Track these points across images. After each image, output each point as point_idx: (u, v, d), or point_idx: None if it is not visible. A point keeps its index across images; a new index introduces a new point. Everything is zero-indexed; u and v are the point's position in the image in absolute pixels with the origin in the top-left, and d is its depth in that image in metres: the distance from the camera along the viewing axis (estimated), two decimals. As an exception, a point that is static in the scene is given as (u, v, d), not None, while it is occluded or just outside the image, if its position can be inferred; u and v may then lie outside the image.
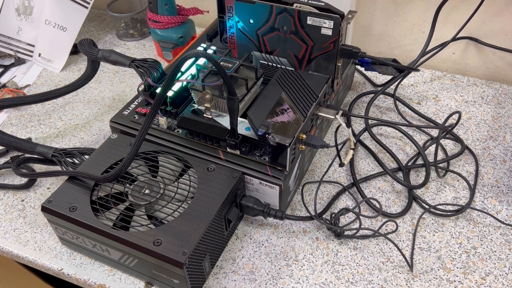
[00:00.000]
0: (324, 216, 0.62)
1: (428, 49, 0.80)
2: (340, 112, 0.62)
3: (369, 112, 0.77)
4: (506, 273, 0.56)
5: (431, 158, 0.69)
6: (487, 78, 0.85)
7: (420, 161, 0.69)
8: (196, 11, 0.89)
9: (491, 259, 0.57)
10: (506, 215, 0.62)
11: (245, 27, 0.69)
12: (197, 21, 0.95)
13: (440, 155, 0.70)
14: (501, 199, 0.64)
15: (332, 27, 0.62)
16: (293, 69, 0.67)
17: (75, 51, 0.95)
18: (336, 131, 0.62)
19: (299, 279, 0.56)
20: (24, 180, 0.69)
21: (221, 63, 0.62)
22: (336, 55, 0.65)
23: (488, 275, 0.56)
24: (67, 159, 0.64)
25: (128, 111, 0.67)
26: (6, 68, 0.93)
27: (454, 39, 0.80)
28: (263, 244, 0.60)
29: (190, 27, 0.90)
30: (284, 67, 0.68)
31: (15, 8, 0.93)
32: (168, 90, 0.52)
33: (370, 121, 0.74)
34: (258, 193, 0.60)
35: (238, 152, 0.59)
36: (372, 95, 0.79)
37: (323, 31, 0.63)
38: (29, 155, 0.67)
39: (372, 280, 0.56)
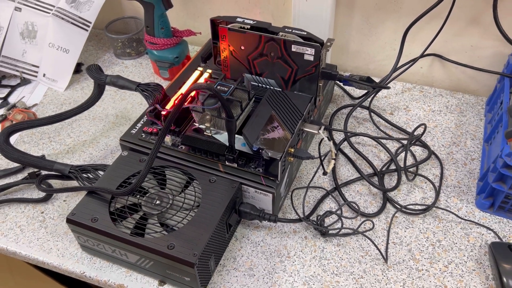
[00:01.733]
0: (311, 218, 0.71)
1: (399, 65, 0.90)
2: (323, 127, 0.71)
3: (348, 123, 0.87)
4: (465, 261, 0.66)
5: (402, 164, 0.79)
6: (451, 89, 0.95)
7: (392, 167, 0.79)
8: (190, 33, 0.97)
9: (452, 250, 0.68)
10: (466, 211, 0.73)
11: (237, 52, 0.78)
12: (190, 40, 1.03)
13: (410, 161, 0.81)
14: (462, 198, 0.74)
15: (313, 53, 0.72)
16: (280, 89, 0.76)
17: (77, 70, 1.03)
18: (319, 144, 0.72)
19: (292, 273, 0.66)
20: (42, 194, 0.77)
21: (217, 87, 0.71)
22: (317, 77, 0.75)
23: (450, 264, 0.66)
24: (83, 174, 0.72)
25: (136, 130, 0.75)
26: (13, 88, 1.00)
27: (422, 55, 0.90)
28: (259, 244, 0.69)
29: (184, 47, 0.99)
30: (272, 87, 0.77)
31: (19, 32, 1.00)
32: (176, 115, 0.61)
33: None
34: (254, 200, 0.69)
35: (235, 165, 0.68)
36: (350, 108, 0.89)
37: (306, 57, 0.73)
38: (47, 172, 0.75)
39: (353, 271, 0.65)
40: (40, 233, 0.72)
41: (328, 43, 0.73)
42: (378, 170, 0.78)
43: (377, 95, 0.93)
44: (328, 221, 0.71)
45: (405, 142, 0.82)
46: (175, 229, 0.62)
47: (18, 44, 1.01)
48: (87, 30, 1.00)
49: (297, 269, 0.66)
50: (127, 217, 0.64)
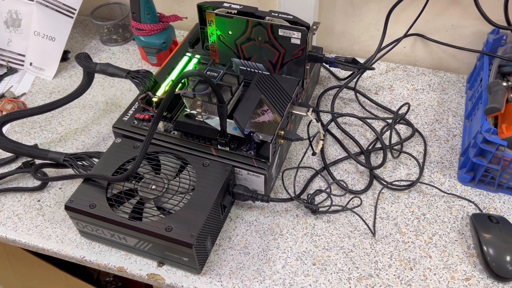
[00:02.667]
0: (302, 197, 0.74)
1: (383, 46, 0.93)
2: (311, 109, 0.74)
3: (335, 104, 0.90)
4: (448, 232, 0.70)
5: (387, 142, 0.82)
6: (433, 67, 0.98)
7: (378, 145, 0.82)
8: (176, 18, 0.98)
9: (436, 222, 0.71)
10: (448, 186, 0.76)
11: (225, 37, 0.79)
12: (176, 25, 1.03)
13: (395, 138, 0.84)
14: (445, 173, 0.78)
15: (300, 37, 0.73)
16: (268, 73, 0.78)
17: (64, 58, 1.03)
18: (308, 125, 0.74)
19: (285, 249, 0.69)
20: (37, 183, 0.78)
21: (207, 73, 0.73)
22: (304, 60, 0.76)
23: (434, 235, 0.70)
24: (78, 162, 0.73)
25: (128, 117, 0.76)
26: (0, 77, 1.00)
27: (406, 35, 0.93)
28: (253, 224, 0.72)
29: (170, 33, 0.99)
30: (261, 71, 0.79)
31: (3, 21, 0.99)
32: (168, 102, 0.62)
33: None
34: (246, 182, 0.72)
35: (227, 149, 0.70)
36: (337, 89, 0.92)
37: (293, 40, 0.74)
38: (42, 161, 0.76)
39: (343, 246, 0.69)
40: (38, 220, 0.73)
41: (314, 27, 0.74)
42: (365, 149, 0.81)
43: (362, 75, 0.96)
44: (318, 199, 0.74)
45: (390, 121, 0.85)
46: (171, 212, 0.64)
47: (3, 33, 1.00)
48: (72, 17, 1.00)
49: (289, 246, 0.69)
50: (124, 202, 0.66)
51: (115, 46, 1.08)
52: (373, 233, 0.70)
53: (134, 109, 0.78)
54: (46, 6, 0.98)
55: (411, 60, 0.99)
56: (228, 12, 0.77)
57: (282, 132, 0.70)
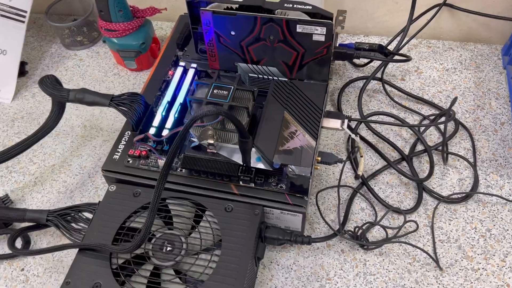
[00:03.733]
0: (346, 227, 0.62)
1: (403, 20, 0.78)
2: (346, 121, 0.60)
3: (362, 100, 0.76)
4: (521, 250, 0.59)
5: (428, 140, 0.69)
6: (461, 39, 0.85)
7: (419, 147, 0.70)
8: (154, 11, 0.80)
9: (505, 239, 0.60)
10: (509, 189, 0.65)
11: (226, 39, 0.63)
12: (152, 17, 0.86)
13: (436, 136, 0.71)
14: (501, 173, 0.67)
15: (324, 33, 0.58)
16: (286, 79, 0.63)
17: (21, 72, 0.84)
18: (347, 142, 0.61)
19: (336, 298, 0.57)
20: (19, 246, 0.63)
21: (214, 91, 0.57)
22: (329, 59, 0.62)
23: (506, 256, 0.59)
24: (65, 221, 0.58)
25: (118, 154, 0.61)
26: None
27: (435, 6, 0.79)
28: (291, 268, 0.60)
29: (149, 29, 0.82)
30: (276, 78, 0.64)
31: None
32: (177, 152, 0.47)
33: (365, 112, 0.73)
34: (278, 221, 0.58)
35: (253, 185, 0.57)
36: (359, 81, 0.78)
37: (315, 37, 0.59)
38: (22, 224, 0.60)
39: (404, 284, 0.57)
40: (26, 298, 0.59)
41: (340, 17, 0.60)
42: (406, 154, 0.68)
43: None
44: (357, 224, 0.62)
45: (425, 112, 0.72)
46: (200, 281, 0.50)
47: None
48: (23, 22, 0.81)
49: (342, 293, 0.57)
50: (134, 274, 0.52)
51: (81, 50, 0.89)
52: (437, 263, 0.58)
53: (124, 142, 0.62)
54: (-12, 12, 0.78)
55: (435, 33, 0.85)
56: (228, 8, 0.60)
57: (319, 158, 0.56)
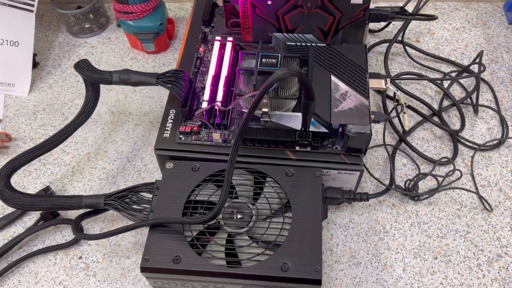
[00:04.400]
0: (397, 183, 0.64)
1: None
2: (388, 79, 0.62)
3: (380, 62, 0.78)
4: (555, 186, 0.64)
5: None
6: (464, 0, 0.88)
7: (445, 102, 0.73)
8: (168, -9, 0.79)
9: (540, 178, 0.65)
10: (534, 132, 0.70)
11: (262, 9, 0.63)
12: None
13: (459, 91, 0.75)
14: (524, 119, 0.71)
15: (363, -5, 0.60)
16: (324, 45, 0.65)
17: (33, 64, 0.81)
18: (384, 99, 0.63)
19: (397, 248, 0.60)
20: (68, 236, 0.62)
21: (261, 60, 0.58)
22: (365, 22, 0.63)
23: (543, 193, 0.64)
24: (124, 203, 0.58)
25: (168, 132, 0.61)
26: (-41, 106, 0.77)
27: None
28: (349, 227, 0.62)
29: (164, 9, 0.81)
30: (314, 44, 0.65)
31: None
32: (253, 113, 0.48)
33: (395, 72, 0.76)
34: (334, 182, 0.60)
35: (309, 149, 0.58)
36: (379, 47, 0.80)
37: (353, 0, 0.61)
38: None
39: (457, 229, 0.61)
40: (91, 284, 0.58)
41: (376, -21, 0.61)
42: (437, 109, 0.71)
43: (393, 23, 0.84)
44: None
45: (444, 69, 0.76)
46: (279, 244, 0.52)
47: None
48: (32, 11, 0.78)
49: (401, 243, 0.60)
50: (208, 243, 0.53)
51: (91, 37, 0.87)
52: (489, 205, 0.62)
53: (171, 121, 0.62)
54: (-4, 2, 0.75)
55: (439, -5, 0.88)
56: (265, -23, 0.61)
57: (373, 116, 0.58)
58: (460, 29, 0.84)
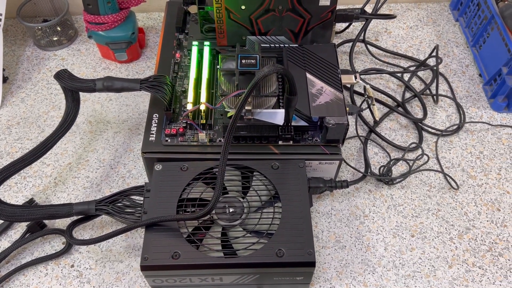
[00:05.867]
0: (372, 170, 0.69)
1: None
2: (358, 74, 0.67)
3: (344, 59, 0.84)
4: (510, 163, 0.71)
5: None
6: (414, 1, 0.96)
7: (407, 94, 0.79)
8: (138, 1, 0.81)
9: (496, 157, 0.72)
10: (487, 117, 0.77)
11: (236, 14, 0.67)
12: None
13: (418, 83, 0.81)
14: (478, 106, 0.78)
15: (330, -3, 0.65)
16: (296, 45, 0.69)
17: (3, 80, 0.81)
18: (352, 93, 0.68)
19: (377, 230, 0.64)
20: (58, 246, 0.62)
21: (242, 61, 0.61)
22: (332, 22, 0.68)
23: (500, 170, 0.70)
24: (116, 207, 0.59)
25: (153, 136, 0.62)
26: None
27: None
28: (331, 214, 0.66)
29: (134, 19, 0.82)
30: (286, 45, 0.69)
31: None
32: (242, 110, 0.51)
33: (358, 69, 0.81)
34: (316, 172, 0.64)
35: (291, 142, 0.62)
36: (342, 47, 0.85)
37: (321, 2, 0.65)
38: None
39: (429, 208, 0.66)
40: (86, 290, 0.59)
41: (341, -17, 0.66)
42: (401, 101, 0.77)
43: (353, 24, 0.90)
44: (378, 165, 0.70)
45: (403, 64, 0.82)
46: (272, 232, 0.55)
47: None
48: (-1, 25, 0.78)
49: (380, 225, 0.65)
50: (205, 238, 0.55)
51: (60, 49, 0.87)
52: (456, 184, 0.68)
53: (155, 124, 0.63)
54: (-39, 17, 0.74)
55: (392, -2, 0.95)
56: (238, -16, 0.64)
57: (348, 109, 0.62)
58: (414, 27, 0.91)
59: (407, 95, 0.79)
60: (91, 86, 0.61)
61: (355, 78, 0.67)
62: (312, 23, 0.68)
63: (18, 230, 0.64)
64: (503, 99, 0.76)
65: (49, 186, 0.68)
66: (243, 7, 0.66)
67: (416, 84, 0.81)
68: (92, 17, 0.77)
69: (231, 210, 0.56)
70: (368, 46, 0.85)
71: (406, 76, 0.81)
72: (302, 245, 0.53)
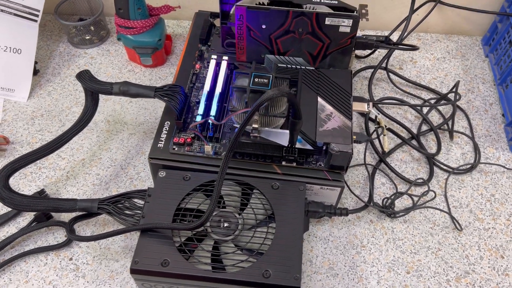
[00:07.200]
0: (375, 200, 0.68)
1: (398, 16, 0.86)
2: (371, 103, 0.67)
3: (364, 86, 0.83)
4: (521, 210, 0.69)
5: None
6: (445, 32, 0.94)
7: (424, 127, 0.78)
8: (168, 9, 0.83)
9: (508, 202, 0.70)
10: (504, 159, 0.75)
11: (257, 32, 0.68)
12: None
13: (437, 117, 0.80)
14: (496, 146, 0.76)
15: (350, 24, 0.65)
16: (313, 68, 0.69)
17: (33, 72, 0.85)
18: (367, 121, 0.67)
19: (373, 262, 0.63)
20: (60, 238, 0.65)
21: (254, 79, 0.62)
22: (352, 49, 0.68)
23: (510, 216, 0.68)
24: (117, 208, 0.61)
25: (162, 142, 0.64)
26: (-42, 108, 0.80)
27: (427, 2, 0.87)
28: (329, 240, 0.66)
29: (163, 26, 0.85)
30: (303, 67, 0.69)
31: None
32: (244, 128, 0.52)
33: (378, 96, 0.81)
34: (317, 196, 0.64)
35: (294, 164, 0.62)
36: (364, 72, 0.85)
37: (342, 29, 0.65)
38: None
39: (429, 246, 0.65)
40: (80, 284, 0.61)
41: (363, 10, 0.66)
42: (415, 133, 0.76)
43: (378, 50, 0.89)
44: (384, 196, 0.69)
45: (424, 96, 0.81)
46: (262, 252, 0.55)
47: (-50, 52, 0.80)
48: (36, 21, 0.82)
49: (376, 257, 0.64)
50: (195, 249, 0.56)
51: (91, 48, 0.90)
52: (459, 225, 0.66)
53: (165, 132, 0.65)
54: (2, 11, 0.79)
55: (422, 27, 0.94)
56: (260, 3, 0.66)
57: (355, 137, 0.62)
58: (441, 59, 0.89)
59: (424, 127, 0.78)
60: (108, 89, 0.63)
61: (368, 106, 0.66)
62: (331, 48, 0.68)
63: (27, 218, 0.67)
64: (523, 142, 0.74)
65: (61, 179, 0.71)
66: (263, 26, 0.67)
67: (435, 118, 0.80)
68: (122, 21, 0.80)
69: (225, 224, 0.57)
70: (390, 74, 0.84)
71: (425, 109, 0.80)
72: (289, 268, 0.53)
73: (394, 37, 0.92)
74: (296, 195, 0.60)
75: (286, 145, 0.61)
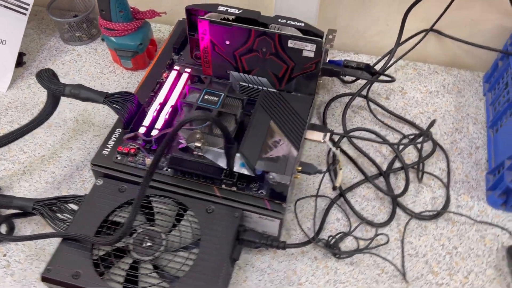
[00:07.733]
0: (321, 236, 0.64)
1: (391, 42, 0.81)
2: (328, 134, 0.63)
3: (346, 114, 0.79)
4: (484, 269, 0.62)
5: (406, 158, 0.73)
6: (445, 64, 0.88)
7: (397, 164, 0.73)
8: (153, 14, 0.83)
9: (470, 257, 0.64)
10: (478, 210, 0.68)
11: (221, 47, 0.66)
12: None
13: (414, 154, 0.74)
14: (472, 195, 0.70)
15: (314, 49, 0.61)
16: (275, 90, 0.66)
17: (18, 63, 0.86)
18: (328, 154, 0.64)
19: (306, 303, 0.60)
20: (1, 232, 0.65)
21: (205, 96, 0.60)
22: (317, 75, 0.65)
23: (470, 273, 0.62)
24: (51, 211, 0.60)
25: (108, 150, 0.63)
26: None
27: (423, 31, 0.82)
28: (266, 272, 0.62)
29: (147, 31, 0.84)
30: (265, 88, 0.67)
31: None
32: (164, 152, 0.50)
33: (348, 127, 0.76)
34: (256, 225, 0.61)
35: (235, 189, 0.59)
36: (344, 97, 0.81)
37: (305, 53, 0.62)
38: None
39: (372, 294, 0.60)
40: (7, 282, 0.61)
41: (330, 36, 0.63)
42: (384, 170, 0.71)
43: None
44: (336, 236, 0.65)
45: (405, 131, 0.75)
46: (177, 277, 0.53)
47: None
48: (25, 14, 0.83)
49: (311, 298, 0.60)
50: (114, 266, 0.54)
51: (79, 46, 0.91)
52: (404, 276, 0.61)
53: (114, 139, 0.64)
54: (-8, 2, 0.81)
55: (421, 57, 0.89)
56: (224, 19, 0.63)
57: (300, 168, 0.59)
58: (434, 92, 0.83)
59: (398, 164, 0.73)
60: (60, 90, 0.63)
61: (324, 137, 0.63)
62: (296, 72, 0.65)
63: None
64: (501, 195, 0.67)
65: (17, 173, 0.72)
66: (227, 42, 0.65)
67: (412, 155, 0.74)
68: (105, 22, 0.80)
69: (148, 244, 0.55)
70: (372, 103, 0.79)
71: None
72: (200, 299, 0.51)
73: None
74: (230, 222, 0.57)
75: (225, 167, 0.58)
